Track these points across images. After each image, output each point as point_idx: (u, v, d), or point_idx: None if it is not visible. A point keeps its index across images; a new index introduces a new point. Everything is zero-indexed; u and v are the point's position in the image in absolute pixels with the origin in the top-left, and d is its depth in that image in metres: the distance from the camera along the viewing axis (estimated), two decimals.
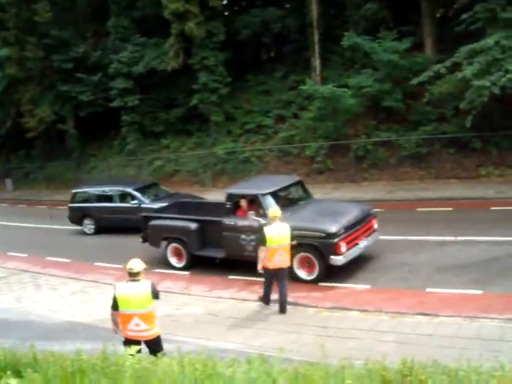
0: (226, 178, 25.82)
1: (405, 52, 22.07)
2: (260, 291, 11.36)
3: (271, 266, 10.59)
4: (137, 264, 7.42)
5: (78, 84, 32.15)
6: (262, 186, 13.79)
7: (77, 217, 20.91)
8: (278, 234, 10.61)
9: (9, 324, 10.71)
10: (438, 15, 25.29)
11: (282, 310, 10.71)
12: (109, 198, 20.42)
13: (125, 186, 20.80)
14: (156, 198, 19.72)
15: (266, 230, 10.63)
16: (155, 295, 7.45)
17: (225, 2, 31.88)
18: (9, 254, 18.58)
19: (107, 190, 20.84)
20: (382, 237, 13.50)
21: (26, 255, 18.16)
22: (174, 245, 14.63)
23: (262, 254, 10.66)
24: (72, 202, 21.17)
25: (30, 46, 32.02)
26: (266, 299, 11.14)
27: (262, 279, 11.10)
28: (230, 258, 13.43)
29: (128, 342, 7.15)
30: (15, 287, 14.63)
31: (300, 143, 24.97)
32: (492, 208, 16.48)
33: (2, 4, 31.48)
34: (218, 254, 13.67)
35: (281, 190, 13.74)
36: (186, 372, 3.45)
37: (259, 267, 10.79)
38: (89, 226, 20.66)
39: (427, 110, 21.47)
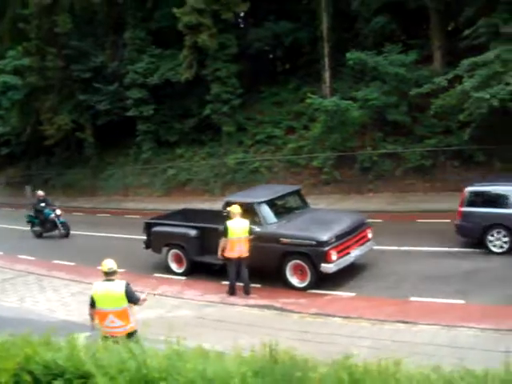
0: (235, 187, 25.93)
1: (413, 65, 22.19)
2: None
3: (233, 255, 12.40)
4: (111, 264, 7.81)
5: (95, 93, 32.76)
6: (259, 194, 14.22)
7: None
8: (239, 228, 12.41)
9: (5, 321, 11.08)
10: (450, 28, 25.38)
11: (247, 292, 12.58)
12: None
13: None
14: None
15: (229, 224, 12.40)
16: (130, 299, 7.74)
17: (242, 15, 32.44)
18: (19, 256, 18.95)
19: None
20: (376, 247, 13.74)
21: (33, 258, 18.51)
22: (174, 251, 14.97)
23: (222, 244, 12.53)
24: (465, 204, 14.06)
25: (51, 56, 32.70)
26: (231, 289, 12.64)
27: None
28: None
29: (104, 337, 7.50)
30: (20, 288, 15.12)
31: (308, 154, 25.25)
32: None
33: (25, 15, 32.28)
34: (217, 260, 13.84)
35: (277, 198, 14.16)
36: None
37: (219, 254, 12.71)
38: (498, 240, 13.44)
39: (433, 122, 21.58)
